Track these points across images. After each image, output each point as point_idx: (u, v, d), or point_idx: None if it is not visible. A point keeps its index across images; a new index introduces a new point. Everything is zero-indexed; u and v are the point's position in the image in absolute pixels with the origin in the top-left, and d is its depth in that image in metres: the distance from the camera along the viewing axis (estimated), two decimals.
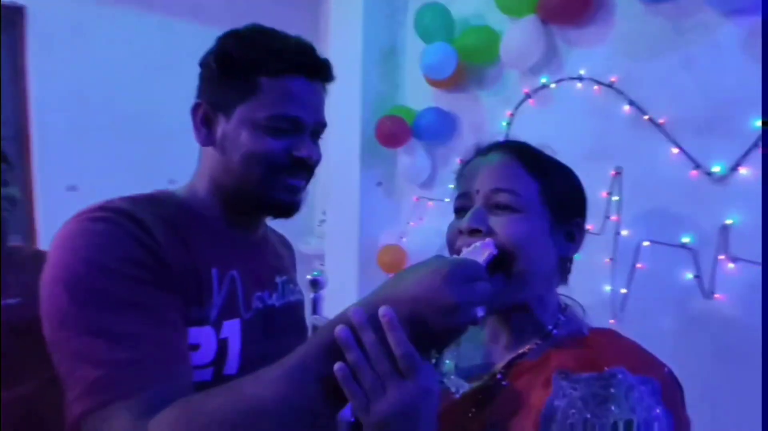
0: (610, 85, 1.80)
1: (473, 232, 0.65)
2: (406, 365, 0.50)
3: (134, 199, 0.71)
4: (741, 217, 1.53)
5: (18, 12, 2.11)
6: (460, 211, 0.71)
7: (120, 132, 2.38)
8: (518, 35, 1.95)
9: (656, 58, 1.70)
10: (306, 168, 0.79)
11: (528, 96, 2.07)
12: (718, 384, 1.54)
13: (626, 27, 1.77)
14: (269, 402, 0.51)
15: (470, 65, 2.22)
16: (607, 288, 1.82)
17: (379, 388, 0.50)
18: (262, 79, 0.73)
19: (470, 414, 0.64)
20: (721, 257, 1.56)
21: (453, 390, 0.71)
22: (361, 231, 2.65)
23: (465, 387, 0.70)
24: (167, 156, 2.29)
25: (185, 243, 0.70)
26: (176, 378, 0.59)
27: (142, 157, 2.47)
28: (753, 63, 1.48)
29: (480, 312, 0.54)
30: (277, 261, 0.94)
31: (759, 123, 1.46)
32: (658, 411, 0.52)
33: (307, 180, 0.83)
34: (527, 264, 0.64)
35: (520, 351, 0.68)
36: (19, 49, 2.14)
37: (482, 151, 0.75)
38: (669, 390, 0.57)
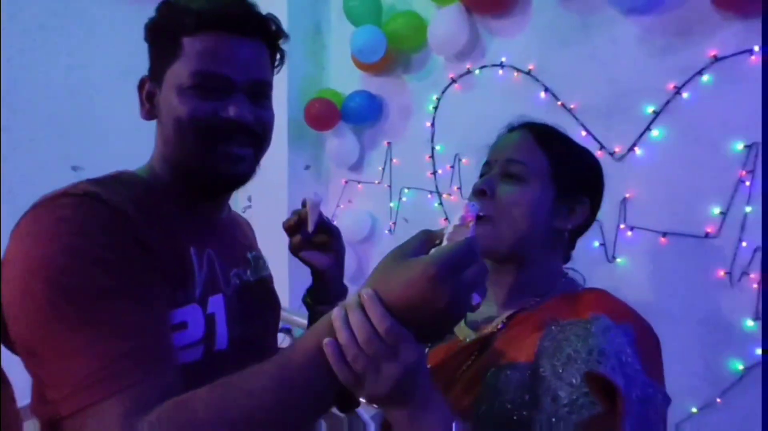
0: (528, 73, 1.96)
1: (479, 194, 0.73)
2: (391, 341, 0.50)
3: (100, 182, 0.64)
4: (637, 191, 1.76)
5: None
6: (482, 176, 0.81)
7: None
8: (444, 22, 2.04)
9: (567, 49, 1.88)
10: (244, 132, 0.72)
11: (453, 81, 2.18)
12: None
13: (541, 19, 1.93)
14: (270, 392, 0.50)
15: (398, 50, 2.27)
16: None
17: (371, 370, 0.50)
18: (183, 39, 0.69)
19: (470, 361, 0.70)
20: (622, 226, 1.79)
21: (461, 338, 0.77)
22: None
23: (472, 335, 0.76)
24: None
25: (159, 224, 0.66)
26: (167, 372, 0.55)
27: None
28: (647, 56, 1.70)
29: (476, 299, 0.55)
30: (245, 238, 0.92)
31: (651, 110, 1.69)
32: (627, 349, 0.60)
33: (254, 146, 0.76)
34: (520, 228, 0.72)
35: (520, 306, 0.75)
36: None
37: (510, 128, 0.86)
38: (643, 338, 0.65)
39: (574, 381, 0.56)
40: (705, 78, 1.59)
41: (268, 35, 0.76)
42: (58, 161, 2.26)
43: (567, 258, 0.85)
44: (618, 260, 1.81)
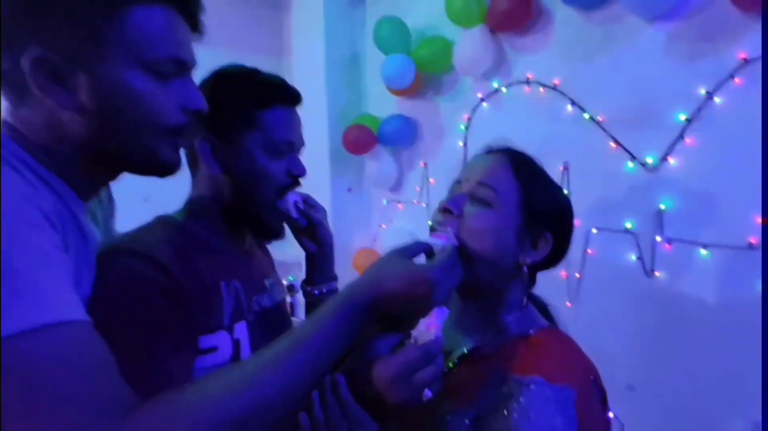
0: (554, 88, 1.96)
1: (445, 212, 0.74)
2: (353, 420, 0.62)
3: (143, 232, 0.80)
4: (672, 202, 1.69)
5: None
6: (451, 193, 0.80)
7: None
8: (469, 44, 2.10)
9: (591, 61, 1.86)
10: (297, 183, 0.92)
11: (482, 100, 2.22)
12: (663, 352, 1.71)
13: (565, 34, 1.93)
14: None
15: (427, 74, 2.35)
16: (563, 274, 1.97)
17: None
18: (259, 112, 0.85)
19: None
20: (659, 239, 1.72)
21: None
22: (335, 237, 2.75)
23: None
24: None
25: (193, 264, 0.78)
26: None
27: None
28: (673, 62, 1.66)
29: (428, 394, 0.62)
30: (263, 265, 1.04)
31: (683, 117, 1.63)
32: (558, 419, 0.62)
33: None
34: (480, 253, 0.71)
35: (477, 344, 0.77)
36: None
37: (488, 150, 0.83)
38: (585, 398, 0.66)
39: None
40: (736, 81, 1.52)
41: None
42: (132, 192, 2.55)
43: (531, 287, 0.84)
44: (657, 274, 1.74)
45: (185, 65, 0.65)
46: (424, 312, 0.64)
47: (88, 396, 0.47)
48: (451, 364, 0.76)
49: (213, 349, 0.78)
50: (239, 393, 0.53)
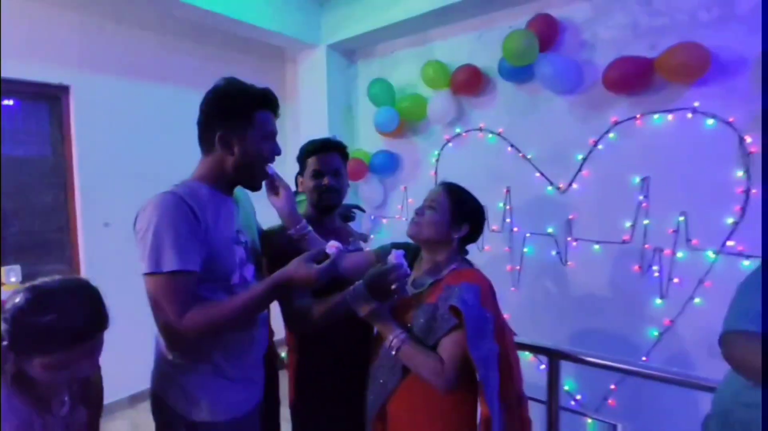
0: (499, 134, 2.77)
1: (419, 214, 1.36)
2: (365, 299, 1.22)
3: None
4: (577, 213, 2.50)
5: (64, 89, 2.75)
6: (422, 207, 1.34)
7: (144, 178, 2.97)
8: (439, 101, 2.89)
9: (524, 117, 2.68)
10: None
11: (448, 141, 3.01)
12: (576, 316, 2.49)
13: (505, 98, 2.76)
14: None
15: (408, 121, 3.13)
16: (508, 267, 2.74)
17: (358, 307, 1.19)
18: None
19: (408, 308, 1.26)
20: (569, 239, 2.52)
21: (410, 294, 1.37)
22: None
23: (414, 292, 1.35)
24: None
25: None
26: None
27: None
28: (573, 121, 2.49)
29: (408, 271, 1.17)
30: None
31: (580, 157, 2.46)
32: (470, 296, 1.15)
33: None
34: (431, 231, 1.31)
35: (435, 279, 1.28)
36: (65, 116, 2.76)
37: (437, 186, 1.37)
38: (486, 295, 1.18)
39: (446, 310, 1.16)
40: (611, 135, 2.36)
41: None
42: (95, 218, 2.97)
43: (464, 251, 1.42)
44: (569, 263, 2.53)
45: (274, 134, 1.25)
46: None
47: (176, 303, 1.05)
48: (423, 289, 1.36)
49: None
50: (223, 310, 1.07)
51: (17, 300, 0.87)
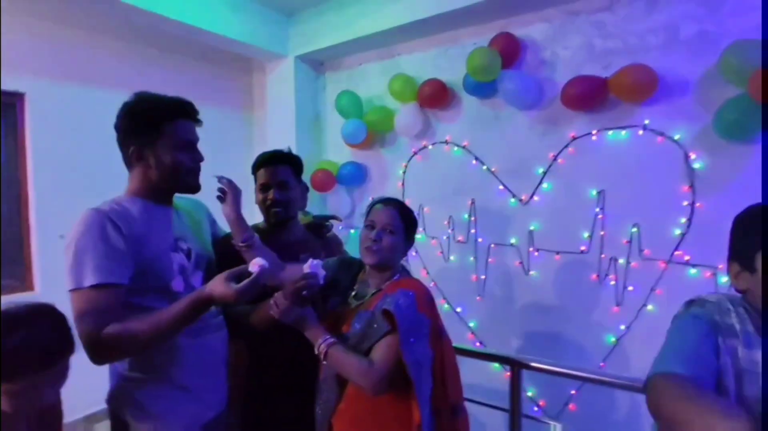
0: (464, 147, 2.84)
1: (377, 241, 1.32)
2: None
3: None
4: (538, 225, 2.59)
5: (19, 96, 2.65)
6: (368, 227, 1.31)
7: (100, 188, 2.88)
8: (406, 114, 2.94)
9: (488, 131, 2.77)
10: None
11: (415, 153, 3.07)
12: (537, 322, 2.56)
13: (470, 112, 2.84)
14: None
15: (375, 132, 3.17)
16: (474, 276, 2.80)
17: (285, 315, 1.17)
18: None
19: (349, 318, 1.26)
20: (531, 249, 2.61)
21: (352, 306, 1.31)
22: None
23: (355, 303, 1.31)
24: None
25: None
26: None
27: None
28: (534, 136, 2.58)
29: (321, 281, 1.21)
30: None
31: (541, 170, 2.56)
32: (404, 300, 1.16)
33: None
34: (390, 254, 1.30)
35: (378, 288, 1.29)
36: (19, 124, 2.65)
37: (382, 201, 1.36)
38: (420, 296, 1.19)
39: (380, 317, 1.17)
40: (570, 149, 2.47)
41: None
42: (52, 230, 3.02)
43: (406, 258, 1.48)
44: (531, 273, 2.62)
45: (189, 141, 1.25)
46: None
47: (95, 316, 1.04)
48: (364, 299, 1.32)
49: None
50: (143, 324, 1.07)
51: None
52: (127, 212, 1.17)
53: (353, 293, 1.36)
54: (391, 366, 1.14)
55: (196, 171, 1.27)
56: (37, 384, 0.89)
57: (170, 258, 1.20)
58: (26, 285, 2.73)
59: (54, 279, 2.73)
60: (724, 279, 2.06)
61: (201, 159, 1.28)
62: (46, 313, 0.94)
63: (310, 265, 1.22)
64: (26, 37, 2.66)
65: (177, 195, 1.31)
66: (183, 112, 1.24)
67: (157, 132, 1.19)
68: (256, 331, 1.38)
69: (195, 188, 1.28)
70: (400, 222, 1.30)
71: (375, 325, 1.19)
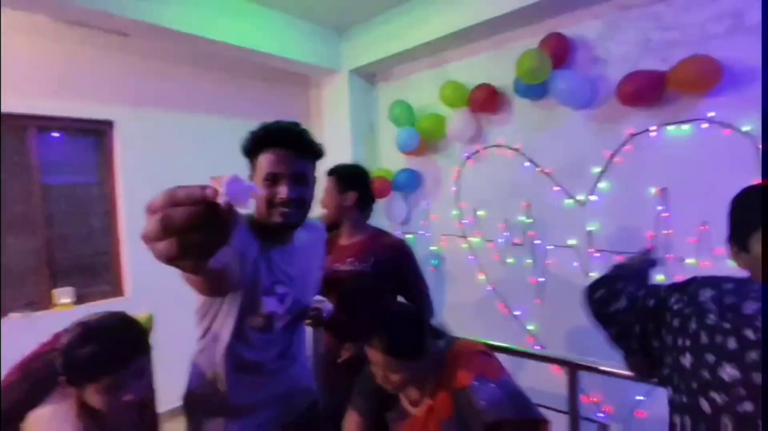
0: (516, 149, 2.84)
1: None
2: None
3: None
4: (597, 225, 2.54)
5: (109, 124, 3.00)
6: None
7: None
8: (458, 120, 2.98)
9: (541, 133, 2.75)
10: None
11: (468, 158, 3.10)
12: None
13: (522, 114, 2.83)
14: None
15: (428, 139, 3.24)
16: (533, 281, 2.78)
17: None
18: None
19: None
20: (591, 250, 2.55)
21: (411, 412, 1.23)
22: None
23: (415, 411, 1.22)
24: None
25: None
26: None
27: None
28: (590, 135, 2.53)
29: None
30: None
31: (597, 170, 2.50)
32: (503, 402, 1.06)
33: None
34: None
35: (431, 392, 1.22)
36: (110, 148, 3.00)
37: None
38: (510, 388, 1.12)
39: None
40: (627, 147, 2.40)
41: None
42: None
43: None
44: (591, 274, 2.56)
45: (275, 175, 1.14)
46: None
47: None
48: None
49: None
50: None
51: (68, 337, 1.03)
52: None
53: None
54: None
55: (276, 206, 1.13)
56: (119, 380, 1.02)
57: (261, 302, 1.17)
58: (117, 290, 3.06)
59: (142, 286, 3.07)
60: None
61: (286, 194, 1.12)
62: (119, 320, 1.09)
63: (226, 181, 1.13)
64: (114, 72, 3.01)
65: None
66: (274, 141, 1.14)
67: (253, 163, 1.17)
68: None
69: (276, 228, 1.16)
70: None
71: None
